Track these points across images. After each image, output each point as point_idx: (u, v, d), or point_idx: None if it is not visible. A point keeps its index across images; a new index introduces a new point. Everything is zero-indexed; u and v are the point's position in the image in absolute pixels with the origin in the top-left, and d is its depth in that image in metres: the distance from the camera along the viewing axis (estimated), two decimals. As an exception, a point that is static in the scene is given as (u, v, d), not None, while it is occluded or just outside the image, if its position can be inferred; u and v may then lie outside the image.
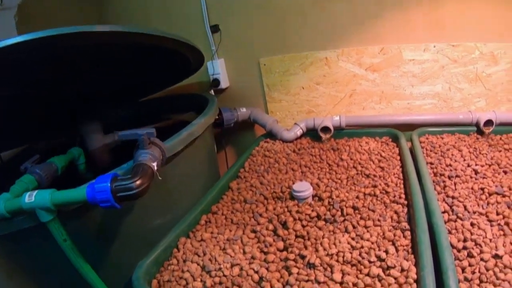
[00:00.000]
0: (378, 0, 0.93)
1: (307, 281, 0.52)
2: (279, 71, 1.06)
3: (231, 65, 1.13)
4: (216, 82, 1.11)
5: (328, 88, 1.03)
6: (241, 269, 0.55)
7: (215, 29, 1.10)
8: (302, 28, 1.01)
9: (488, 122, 0.90)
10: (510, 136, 0.91)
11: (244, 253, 0.59)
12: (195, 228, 0.68)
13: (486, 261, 0.53)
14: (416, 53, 0.95)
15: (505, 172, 0.76)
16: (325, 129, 0.96)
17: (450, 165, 0.78)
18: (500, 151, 0.84)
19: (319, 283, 0.52)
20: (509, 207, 0.64)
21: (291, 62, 1.03)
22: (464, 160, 0.80)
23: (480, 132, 0.92)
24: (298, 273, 0.54)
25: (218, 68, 1.11)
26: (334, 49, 0.99)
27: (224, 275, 0.55)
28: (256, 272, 0.54)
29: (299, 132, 0.99)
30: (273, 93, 1.08)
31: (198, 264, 0.58)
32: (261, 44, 1.07)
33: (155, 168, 0.57)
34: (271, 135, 1.03)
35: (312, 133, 1.00)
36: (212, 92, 1.16)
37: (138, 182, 0.51)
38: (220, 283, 0.53)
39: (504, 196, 0.67)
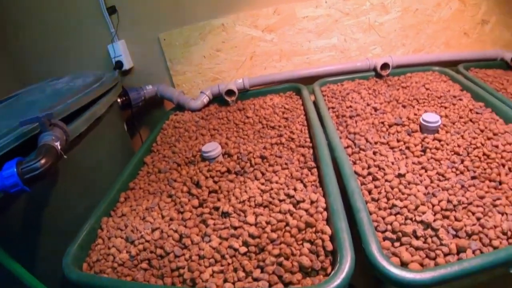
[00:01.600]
0: (268, -38, 0.98)
1: (223, 228, 0.55)
2: (179, 43, 1.07)
3: (133, 45, 1.12)
4: (119, 64, 1.09)
5: (229, 54, 1.06)
6: (161, 231, 0.57)
7: (112, 10, 1.07)
8: None
9: (385, 66, 1.00)
10: (407, 76, 1.02)
11: (163, 217, 0.61)
12: (115, 206, 0.69)
13: (390, 181, 0.60)
14: (309, 10, 1.01)
15: (404, 106, 0.85)
16: (230, 92, 0.99)
17: (351, 106, 0.85)
18: (398, 89, 0.94)
19: (235, 228, 0.55)
20: (409, 134, 0.72)
21: (190, 33, 1.05)
22: (364, 100, 0.88)
23: (378, 75, 1.01)
24: (214, 224, 0.57)
25: (119, 50, 1.09)
26: (229, 15, 1.02)
27: (147, 241, 0.56)
28: (176, 231, 0.56)
29: (205, 99, 1.01)
30: (176, 66, 1.09)
31: (121, 238, 0.59)
32: (159, 19, 1.07)
33: (59, 147, 0.57)
34: (179, 107, 1.05)
35: (219, 99, 1.03)
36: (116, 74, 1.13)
37: (42, 161, 0.51)
38: (144, 249, 0.55)
39: (403, 125, 0.75)
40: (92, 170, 0.76)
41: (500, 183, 0.59)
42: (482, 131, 0.72)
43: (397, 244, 0.51)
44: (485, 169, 0.62)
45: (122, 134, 0.95)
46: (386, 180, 0.60)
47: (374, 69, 1.02)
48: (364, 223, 0.50)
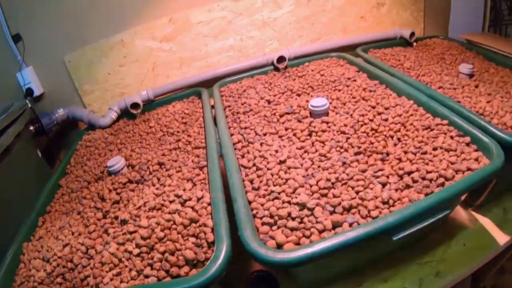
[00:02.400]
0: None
1: (121, 234, 0.60)
2: (84, 64, 1.10)
3: (41, 70, 1.15)
4: (29, 91, 1.11)
5: (131, 67, 1.11)
6: (71, 247, 0.61)
7: (17, 38, 1.09)
8: (95, 18, 1.06)
9: (281, 59, 1.07)
10: (304, 65, 1.10)
11: (73, 233, 0.66)
12: (34, 231, 0.72)
13: (271, 169, 0.65)
14: (203, 15, 1.08)
15: (298, 95, 0.92)
16: (135, 105, 1.04)
17: (245, 102, 0.91)
18: (294, 79, 1.01)
19: (130, 233, 0.61)
20: (299, 121, 0.78)
21: (93, 52, 1.09)
22: (259, 95, 0.94)
23: (277, 69, 1.09)
24: (114, 232, 0.62)
25: (28, 77, 1.11)
26: (127, 30, 1.07)
27: (59, 257, 0.60)
28: (82, 244, 0.61)
29: (113, 115, 1.06)
30: (84, 86, 1.13)
31: (39, 258, 0.63)
32: (63, 42, 1.10)
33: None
34: (91, 127, 1.09)
35: (128, 113, 1.07)
36: (27, 102, 1.15)
37: None
38: (58, 265, 0.59)
39: (294, 113, 0.82)
40: (8, 202, 0.80)
41: (388, 154, 0.65)
42: (373, 107, 0.80)
43: (274, 228, 0.54)
44: (372, 143, 0.69)
45: (37, 161, 0.99)
46: (268, 169, 0.66)
47: (272, 63, 1.09)
48: (240, 212, 0.55)
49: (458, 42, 1.23)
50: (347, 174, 0.61)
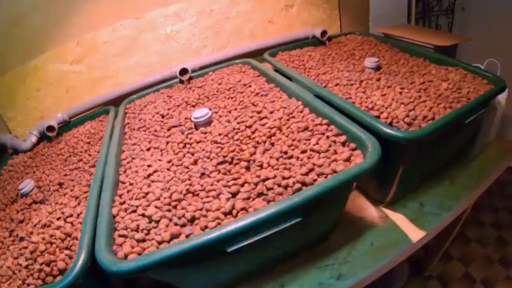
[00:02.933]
0: (66, 1, 1.10)
1: (19, 250, 0.69)
2: (5, 91, 1.18)
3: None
4: None
5: (48, 91, 1.19)
6: None
7: None
8: (9, 47, 1.13)
9: (184, 71, 1.14)
10: (208, 75, 1.16)
11: None
12: None
13: (138, 183, 0.70)
14: (108, 34, 1.15)
15: (193, 106, 0.98)
16: (50, 128, 1.11)
17: (142, 118, 0.98)
18: (193, 90, 1.08)
19: (24, 248, 0.69)
20: (182, 133, 0.84)
21: (11, 79, 1.16)
22: (155, 109, 1.01)
23: (182, 81, 1.15)
24: (13, 248, 0.70)
25: None
26: (40, 56, 1.14)
27: None
28: None
29: (33, 139, 1.13)
30: (7, 112, 1.21)
31: None
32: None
33: None
34: (15, 151, 1.16)
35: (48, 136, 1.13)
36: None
37: None
38: None
39: (180, 126, 0.88)
40: None
41: (255, 161, 0.67)
42: (259, 112, 0.83)
43: (127, 240, 0.58)
44: (242, 151, 0.71)
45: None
46: (136, 183, 0.70)
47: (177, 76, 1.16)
48: (99, 225, 0.60)
49: (375, 36, 1.28)
50: (201, 185, 0.63)
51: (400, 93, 0.83)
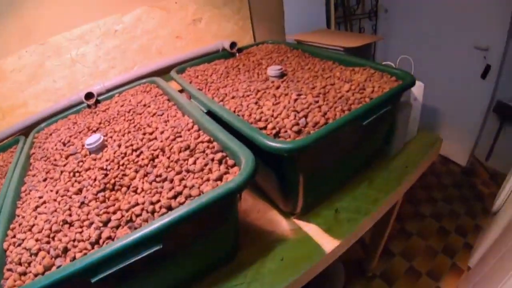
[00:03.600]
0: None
1: None
2: None
3: None
4: None
5: None
6: None
7: None
8: None
9: (89, 95, 1.14)
10: (114, 98, 1.15)
11: None
12: None
13: (25, 216, 0.70)
14: (14, 62, 1.13)
15: (95, 131, 0.98)
16: None
17: (46, 148, 0.97)
18: (97, 115, 1.07)
19: None
20: (78, 161, 0.83)
21: None
22: (58, 137, 0.99)
23: (89, 106, 1.15)
24: None
25: None
26: None
27: None
28: None
29: None
30: None
31: None
32: None
33: None
34: None
35: None
36: None
37: None
38: None
39: (76, 153, 0.88)
40: None
41: (133, 187, 0.66)
42: (151, 133, 0.83)
43: (12, 273, 0.57)
44: (125, 176, 0.70)
45: None
46: (25, 216, 0.69)
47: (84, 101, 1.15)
48: None
49: (287, 44, 1.30)
50: (78, 215, 0.63)
51: (296, 100, 0.83)
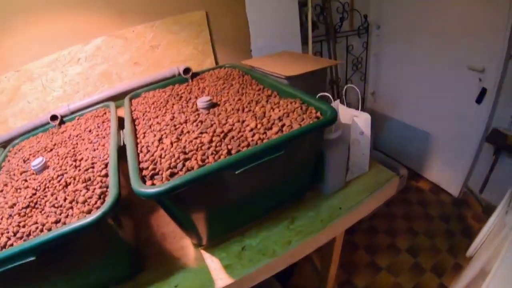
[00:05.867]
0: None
1: None
2: None
3: None
4: None
5: None
6: None
7: None
8: None
9: (53, 117, 1.28)
10: (74, 121, 1.24)
11: None
12: None
13: None
14: None
15: (50, 151, 1.10)
16: None
17: (12, 162, 1.03)
18: (57, 135, 1.18)
19: None
20: (24, 172, 0.96)
21: None
22: (23, 154, 1.12)
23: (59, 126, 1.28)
24: None
25: None
26: None
27: None
28: None
29: None
30: None
31: None
32: None
33: None
34: None
35: None
36: None
37: None
38: None
39: (27, 171, 1.01)
40: None
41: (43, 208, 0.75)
42: (80, 160, 0.92)
43: None
44: (44, 197, 0.79)
45: None
46: None
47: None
48: None
49: (241, 68, 1.31)
50: (3, 225, 0.70)
51: (195, 138, 0.83)
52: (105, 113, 1.26)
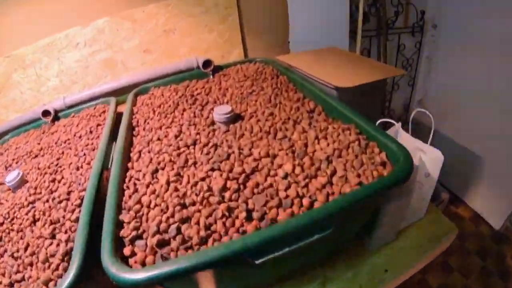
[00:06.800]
0: None
1: None
2: None
3: None
4: None
5: None
6: None
7: None
8: None
9: (46, 112, 1.13)
10: (69, 118, 1.11)
11: None
12: None
13: None
14: None
15: (35, 157, 0.97)
16: None
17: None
18: (47, 136, 1.06)
19: None
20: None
21: None
22: (5, 159, 1.01)
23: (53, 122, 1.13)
24: None
25: None
26: None
27: None
28: None
29: None
30: None
31: None
32: None
33: None
34: None
35: None
36: None
37: None
38: None
39: (2, 184, 0.89)
40: None
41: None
42: (59, 181, 0.83)
43: None
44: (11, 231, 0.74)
45: None
46: None
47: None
48: None
49: (276, 65, 1.07)
50: None
51: (203, 179, 0.63)
52: (104, 111, 1.13)
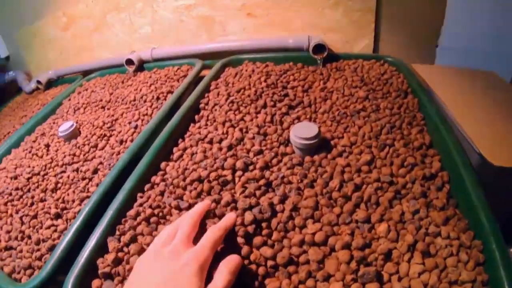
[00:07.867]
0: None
1: None
2: (24, 40, 1.35)
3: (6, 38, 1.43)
4: None
5: (48, 48, 1.34)
6: None
7: None
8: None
9: (129, 61, 1.05)
10: (152, 72, 1.02)
11: None
12: None
13: None
14: (83, 10, 1.19)
15: (103, 108, 0.93)
16: (39, 82, 1.27)
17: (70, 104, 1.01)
18: (121, 88, 0.99)
19: None
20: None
21: (24, 34, 1.34)
22: (75, 102, 1.01)
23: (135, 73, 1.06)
24: None
25: None
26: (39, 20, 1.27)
27: None
28: None
29: (33, 85, 1.29)
30: (26, 57, 1.39)
31: None
32: (17, 19, 1.33)
33: None
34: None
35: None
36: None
37: None
38: None
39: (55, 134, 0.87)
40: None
41: None
42: (99, 149, 0.78)
43: None
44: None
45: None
46: None
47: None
48: None
49: (410, 77, 0.73)
50: None
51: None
52: (185, 76, 0.94)
